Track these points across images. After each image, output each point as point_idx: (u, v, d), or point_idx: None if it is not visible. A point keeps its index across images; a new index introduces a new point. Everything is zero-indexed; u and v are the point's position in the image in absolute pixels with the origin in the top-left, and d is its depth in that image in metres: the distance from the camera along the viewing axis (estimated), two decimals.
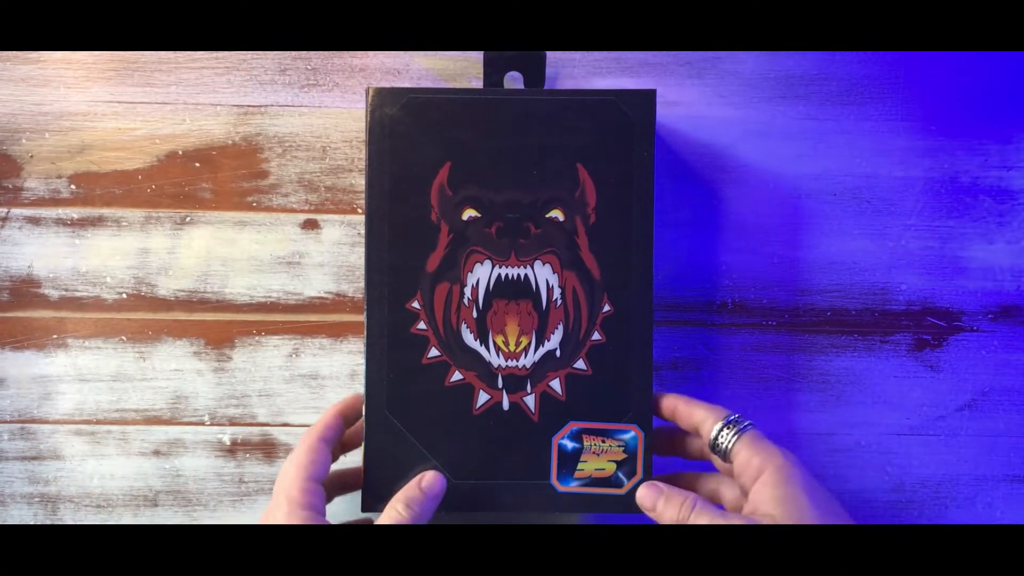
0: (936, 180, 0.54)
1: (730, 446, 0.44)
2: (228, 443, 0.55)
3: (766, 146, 0.54)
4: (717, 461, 0.46)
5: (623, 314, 0.46)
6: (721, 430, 0.44)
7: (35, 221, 0.54)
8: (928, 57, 0.54)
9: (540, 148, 0.46)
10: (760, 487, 0.41)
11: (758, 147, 0.54)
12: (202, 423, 0.55)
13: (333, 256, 0.54)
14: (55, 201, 0.54)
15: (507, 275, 0.46)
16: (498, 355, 0.46)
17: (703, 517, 0.41)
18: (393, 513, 0.43)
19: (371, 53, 0.54)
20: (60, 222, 0.54)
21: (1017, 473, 0.55)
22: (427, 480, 0.45)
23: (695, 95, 0.54)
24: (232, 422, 0.55)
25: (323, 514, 0.43)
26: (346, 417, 0.47)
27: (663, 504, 0.43)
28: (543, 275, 0.46)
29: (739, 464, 0.43)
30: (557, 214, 0.46)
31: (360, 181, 0.54)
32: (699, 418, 0.45)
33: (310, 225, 0.54)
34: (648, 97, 0.46)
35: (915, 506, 0.55)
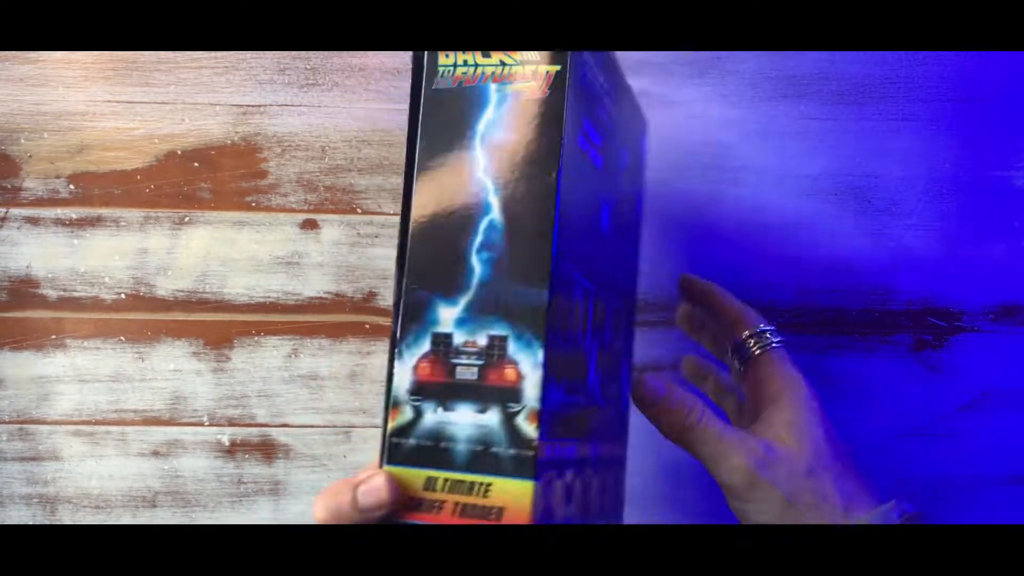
0: (937, 180, 0.54)
1: (756, 355, 0.40)
2: (227, 444, 0.55)
3: (766, 146, 0.54)
4: (732, 365, 0.43)
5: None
6: (752, 336, 0.41)
7: (34, 221, 0.54)
8: (928, 57, 0.54)
9: None
10: (775, 410, 0.38)
11: (758, 147, 0.54)
12: (201, 424, 0.55)
13: (332, 256, 0.54)
14: (54, 201, 0.54)
15: None
16: None
17: (708, 434, 0.36)
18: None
19: (371, 53, 0.53)
20: (59, 222, 0.54)
21: (1017, 474, 0.55)
22: (366, 486, 0.32)
23: (696, 95, 0.54)
24: (231, 423, 0.55)
25: None
26: None
27: (664, 404, 0.37)
28: None
29: (756, 378, 0.40)
30: None
31: (360, 181, 0.54)
32: (732, 316, 0.42)
33: (309, 225, 0.54)
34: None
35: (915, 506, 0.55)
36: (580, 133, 0.35)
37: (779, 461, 0.36)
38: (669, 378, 0.39)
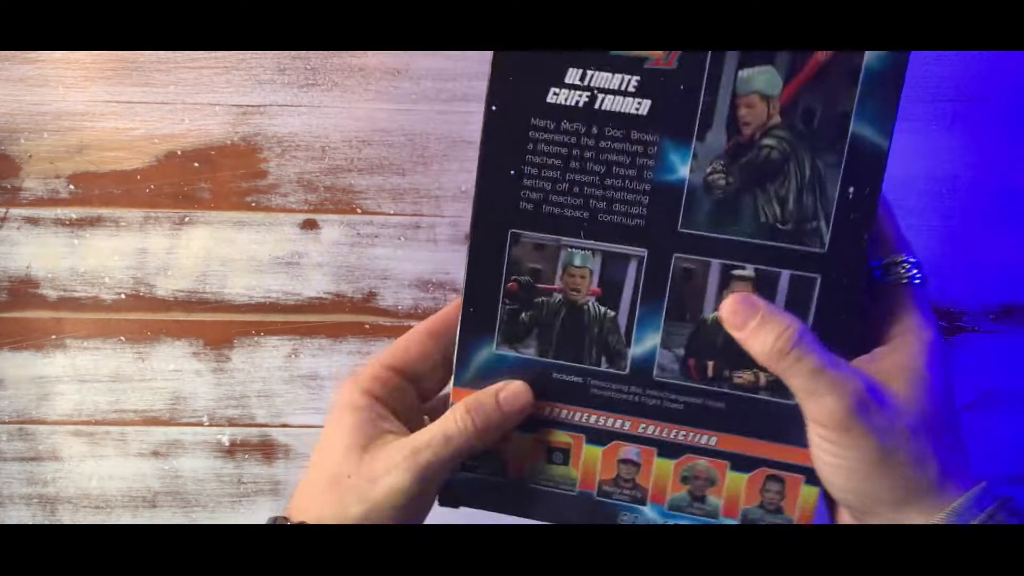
0: (936, 180, 0.54)
1: (889, 285, 0.35)
2: (227, 444, 0.55)
3: None
4: None
5: None
6: (891, 263, 0.35)
7: (33, 221, 0.54)
8: (928, 57, 0.54)
9: None
10: (893, 349, 0.33)
11: None
12: (201, 424, 0.55)
13: (332, 256, 0.54)
14: (53, 201, 0.54)
15: None
16: None
17: (804, 363, 0.31)
18: (450, 421, 0.34)
19: (371, 53, 0.53)
20: (58, 222, 0.54)
21: (1018, 473, 0.55)
22: (507, 392, 0.36)
23: None
24: (231, 423, 0.55)
25: (390, 413, 0.36)
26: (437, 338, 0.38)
27: (756, 326, 0.32)
28: None
29: (883, 311, 0.35)
30: None
31: (360, 181, 0.54)
32: (879, 235, 0.36)
33: (309, 225, 0.54)
34: None
35: None
36: (559, 85, 0.35)
37: (883, 408, 0.31)
38: (759, 301, 0.33)
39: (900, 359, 0.33)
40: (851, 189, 0.34)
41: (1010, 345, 0.55)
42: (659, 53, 0.35)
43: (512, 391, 0.36)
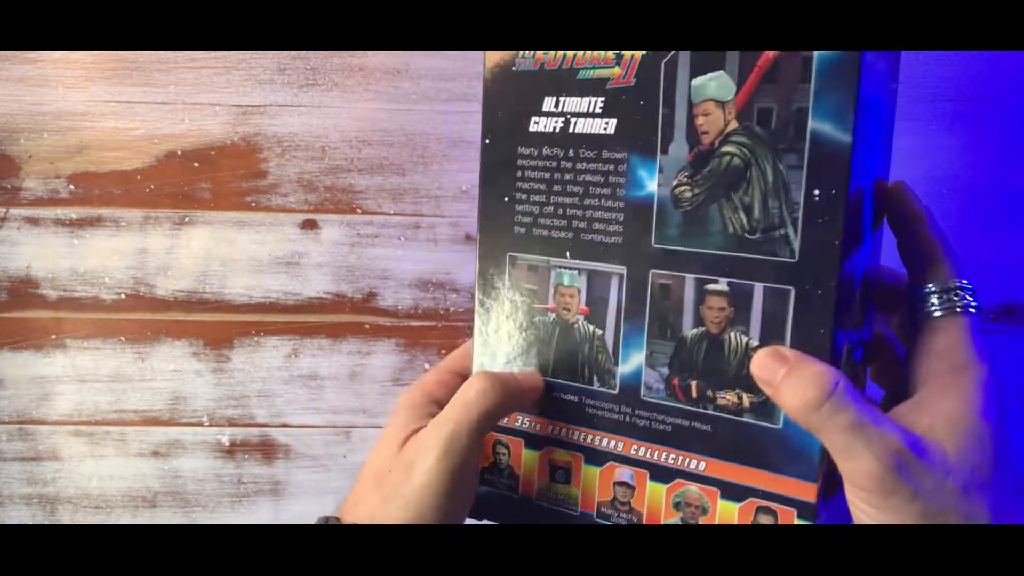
0: (937, 180, 0.54)
1: (936, 315, 0.31)
2: (227, 444, 0.55)
3: None
4: (904, 315, 0.34)
5: None
6: (943, 290, 0.31)
7: (33, 221, 0.54)
8: (928, 57, 0.54)
9: None
10: (940, 395, 0.30)
11: None
12: (201, 424, 0.55)
13: (332, 256, 0.54)
14: (53, 201, 0.54)
15: None
16: None
17: (839, 419, 0.28)
18: (468, 387, 0.35)
19: (370, 53, 0.53)
20: (58, 222, 0.54)
21: (1018, 473, 0.55)
22: (521, 372, 0.38)
23: None
24: (231, 423, 0.55)
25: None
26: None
27: (784, 377, 0.29)
28: None
29: (928, 346, 0.31)
30: None
31: (360, 181, 0.54)
32: (931, 256, 0.33)
33: (309, 225, 0.54)
34: None
35: None
36: (538, 114, 0.37)
37: (927, 465, 0.28)
38: (788, 352, 0.30)
39: (948, 406, 0.29)
40: (816, 192, 0.31)
41: (1010, 345, 0.55)
42: (618, 71, 0.36)
43: (526, 371, 0.38)
